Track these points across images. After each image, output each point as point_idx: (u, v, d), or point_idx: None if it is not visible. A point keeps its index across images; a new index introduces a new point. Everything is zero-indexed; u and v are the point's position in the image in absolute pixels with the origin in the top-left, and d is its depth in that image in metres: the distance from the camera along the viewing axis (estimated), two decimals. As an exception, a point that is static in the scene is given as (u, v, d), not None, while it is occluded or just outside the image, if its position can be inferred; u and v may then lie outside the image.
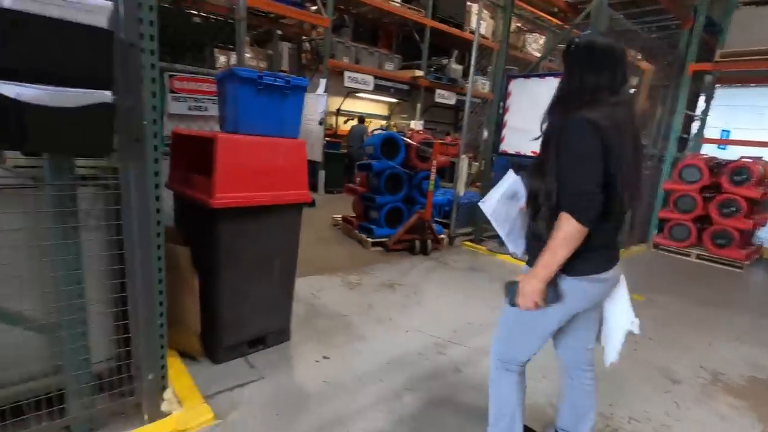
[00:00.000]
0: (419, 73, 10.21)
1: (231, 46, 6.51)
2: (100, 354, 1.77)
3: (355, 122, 10.01)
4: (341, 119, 10.68)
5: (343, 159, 9.02)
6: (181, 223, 2.54)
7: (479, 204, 1.79)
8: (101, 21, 1.32)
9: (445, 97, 11.10)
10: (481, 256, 5.18)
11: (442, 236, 5.31)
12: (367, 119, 10.26)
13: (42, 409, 1.61)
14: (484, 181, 5.77)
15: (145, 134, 1.62)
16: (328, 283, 3.76)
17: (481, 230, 5.62)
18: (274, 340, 2.56)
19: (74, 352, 1.63)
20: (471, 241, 5.61)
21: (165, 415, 1.86)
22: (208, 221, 2.16)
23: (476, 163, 8.91)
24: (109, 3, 1.31)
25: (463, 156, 5.40)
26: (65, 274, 1.56)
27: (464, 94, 6.32)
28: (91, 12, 1.26)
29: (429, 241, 4.91)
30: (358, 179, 5.62)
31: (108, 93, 1.38)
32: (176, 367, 2.20)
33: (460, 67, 11.25)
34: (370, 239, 4.99)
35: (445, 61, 11.13)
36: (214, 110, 3.21)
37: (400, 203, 5.20)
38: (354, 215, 5.62)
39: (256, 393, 2.14)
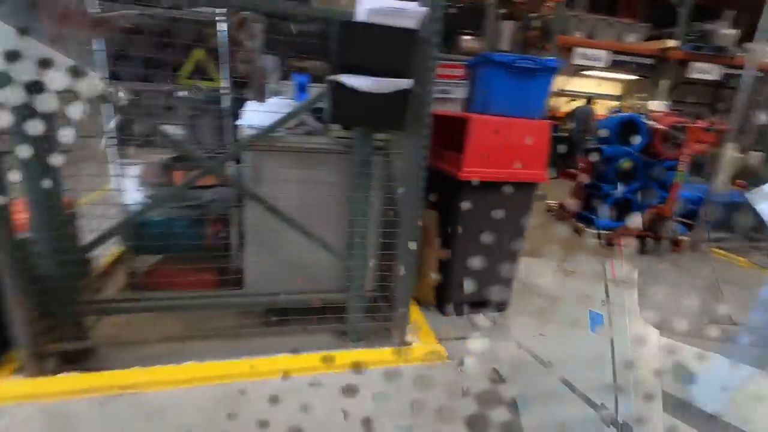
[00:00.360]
0: (672, 43, 8.55)
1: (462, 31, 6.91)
2: (369, 284, 2.30)
3: (579, 103, 9.20)
4: (563, 100, 9.95)
5: (561, 142, 8.46)
6: (429, 192, 2.96)
7: (746, 195, 1.55)
8: (413, 23, 1.68)
9: (703, 71, 9.02)
10: (736, 267, 4.21)
11: (684, 238, 4.53)
12: (594, 99, 9.27)
13: (333, 314, 2.23)
14: (753, 179, 4.60)
15: (423, 114, 1.98)
16: (542, 266, 3.74)
17: (741, 237, 4.54)
18: (494, 307, 2.77)
19: (357, 278, 2.19)
20: (725, 249, 4.60)
21: (408, 343, 2.30)
22: (453, 191, 2.48)
23: (742, 155, 7.07)
24: (425, 9, 1.64)
25: (729, 145, 4.39)
26: (359, 219, 2.09)
27: (734, 67, 5.05)
28: (411, 18, 1.62)
29: (665, 241, 4.27)
30: (581, 164, 5.24)
31: (410, 81, 1.75)
32: (414, 310, 2.65)
33: (733, 32, 8.91)
34: (589, 229, 4.66)
35: (710, 26, 8.98)
36: (455, 93, 3.53)
37: (630, 195, 4.65)
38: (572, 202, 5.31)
39: (477, 347, 2.40)
